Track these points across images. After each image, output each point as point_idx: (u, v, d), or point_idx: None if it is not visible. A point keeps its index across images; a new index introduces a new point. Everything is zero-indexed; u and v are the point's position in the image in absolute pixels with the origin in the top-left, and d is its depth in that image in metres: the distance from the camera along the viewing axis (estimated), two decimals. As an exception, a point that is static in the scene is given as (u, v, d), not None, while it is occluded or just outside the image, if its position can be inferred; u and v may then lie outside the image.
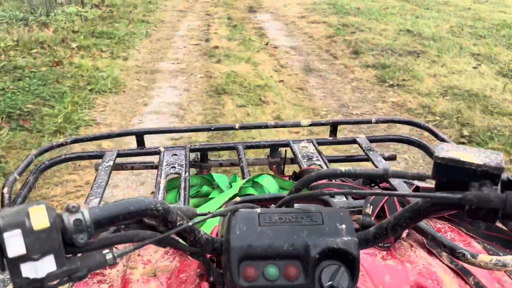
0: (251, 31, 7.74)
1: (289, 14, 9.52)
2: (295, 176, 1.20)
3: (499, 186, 0.49)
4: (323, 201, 0.76)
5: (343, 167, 0.63)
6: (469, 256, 0.69)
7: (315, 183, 0.93)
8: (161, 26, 8.08)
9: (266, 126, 1.40)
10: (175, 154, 1.24)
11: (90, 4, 8.82)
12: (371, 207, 0.78)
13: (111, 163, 1.20)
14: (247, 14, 9.57)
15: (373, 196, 0.84)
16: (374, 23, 8.20)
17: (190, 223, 0.55)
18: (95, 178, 1.12)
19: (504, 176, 0.50)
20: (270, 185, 1.13)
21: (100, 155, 1.26)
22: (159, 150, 1.27)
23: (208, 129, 1.47)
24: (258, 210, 0.63)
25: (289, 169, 1.43)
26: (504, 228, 0.89)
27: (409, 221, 0.57)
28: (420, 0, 11.14)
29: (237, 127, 1.37)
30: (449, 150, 0.50)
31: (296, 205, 0.73)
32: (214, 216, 0.61)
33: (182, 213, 0.56)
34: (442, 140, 1.24)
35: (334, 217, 0.61)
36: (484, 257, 0.67)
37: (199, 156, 1.40)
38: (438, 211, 0.55)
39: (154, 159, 1.35)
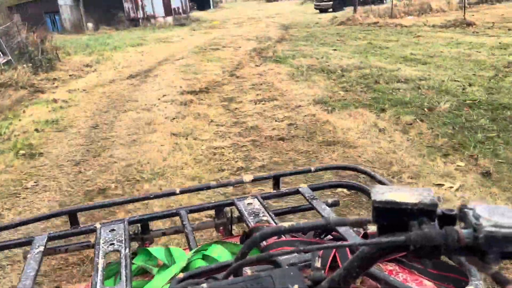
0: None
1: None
2: (246, 236, 1.15)
3: (436, 222, 0.49)
4: (271, 262, 0.76)
5: (287, 222, 0.61)
6: None
7: (264, 243, 0.93)
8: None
9: (209, 187, 1.38)
10: (113, 229, 1.16)
11: None
12: (320, 260, 0.77)
13: (41, 248, 1.10)
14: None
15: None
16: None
17: None
18: (24, 268, 1.02)
19: (438, 211, 0.50)
20: (222, 253, 1.06)
21: (28, 241, 1.16)
22: (95, 227, 1.20)
23: (147, 198, 1.39)
24: (205, 286, 0.61)
25: (237, 228, 1.41)
26: (454, 265, 0.89)
27: (359, 270, 0.57)
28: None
29: (178, 192, 1.33)
30: (385, 193, 0.50)
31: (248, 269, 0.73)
32: None
33: None
34: (380, 182, 1.26)
35: (284, 278, 0.61)
36: None
37: (139, 228, 1.32)
38: (385, 255, 0.55)
39: (91, 237, 1.27)
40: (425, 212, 0.49)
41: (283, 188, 1.43)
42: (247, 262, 0.64)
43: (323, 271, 0.72)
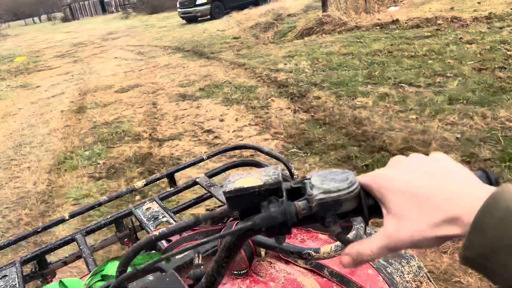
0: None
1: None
2: None
3: (284, 198, 0.49)
4: (159, 269, 0.81)
5: (159, 229, 0.60)
6: (313, 253, 0.77)
7: (168, 246, 0.96)
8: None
9: (100, 204, 1.30)
10: (5, 276, 1.05)
11: None
12: (199, 256, 0.80)
13: None
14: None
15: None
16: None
17: None
18: None
19: (287, 185, 0.51)
20: None
21: None
22: None
23: (35, 233, 1.24)
24: None
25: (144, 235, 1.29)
26: None
27: (227, 259, 0.59)
28: None
29: (67, 217, 1.26)
30: (235, 181, 0.51)
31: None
32: None
33: None
34: (267, 154, 1.30)
35: (163, 286, 0.66)
36: (325, 249, 0.76)
37: (36, 265, 1.20)
38: (245, 239, 0.58)
39: None
40: (272, 191, 0.49)
41: (181, 184, 1.40)
42: (128, 277, 0.59)
43: (202, 267, 0.75)
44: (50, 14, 45.31)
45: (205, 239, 0.52)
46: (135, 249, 0.58)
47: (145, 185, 1.35)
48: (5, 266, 1.10)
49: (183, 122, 5.43)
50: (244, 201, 0.50)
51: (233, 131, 4.89)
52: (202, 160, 1.41)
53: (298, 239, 0.99)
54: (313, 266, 0.93)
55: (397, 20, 9.10)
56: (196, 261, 0.75)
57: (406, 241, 0.43)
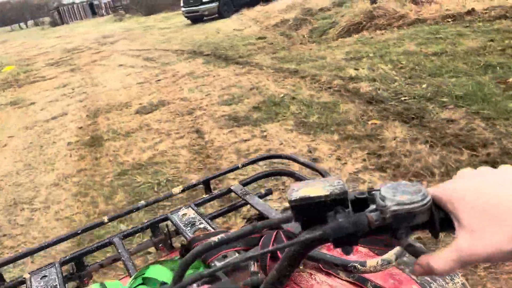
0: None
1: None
2: (185, 249, 1.07)
3: (350, 208, 0.49)
4: (214, 277, 0.82)
5: (216, 236, 0.60)
6: (359, 266, 0.75)
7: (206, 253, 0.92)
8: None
9: (138, 209, 1.34)
10: (44, 276, 1.10)
11: None
12: (255, 264, 0.82)
13: None
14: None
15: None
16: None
17: None
18: None
19: (351, 196, 0.51)
20: (161, 274, 0.99)
21: None
22: (24, 278, 1.10)
23: (75, 234, 1.28)
24: None
25: (179, 240, 1.29)
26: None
27: (290, 268, 0.59)
28: None
29: (106, 220, 1.29)
30: (299, 189, 0.51)
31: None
32: None
33: None
34: (303, 164, 1.27)
35: None
36: (371, 262, 0.74)
37: (74, 267, 1.22)
38: (310, 249, 0.57)
39: None
40: (338, 201, 0.49)
41: (216, 191, 1.43)
42: (185, 285, 0.57)
43: (259, 274, 0.78)
44: (38, 19, 43.14)
45: (270, 248, 0.53)
46: (194, 253, 0.57)
47: (182, 191, 1.38)
48: (45, 266, 1.14)
49: (255, 166, 3.69)
50: (309, 210, 0.49)
51: (348, 181, 3.17)
52: (237, 168, 1.43)
53: (338, 252, 0.86)
54: (355, 279, 0.92)
55: (473, 10, 7.43)
56: (252, 269, 0.79)
57: (481, 255, 0.42)
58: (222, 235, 0.60)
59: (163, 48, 11.93)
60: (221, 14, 15.56)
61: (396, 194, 0.47)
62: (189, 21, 16.49)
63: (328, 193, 0.49)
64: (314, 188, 0.50)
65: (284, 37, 9.88)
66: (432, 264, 0.45)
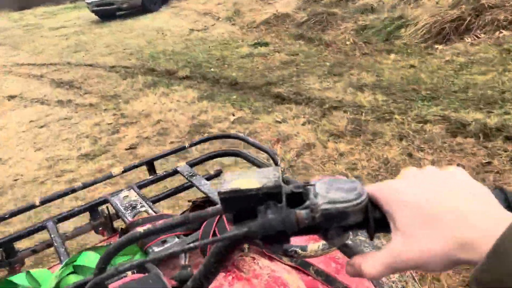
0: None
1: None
2: (124, 233, 1.01)
3: (284, 203, 0.45)
4: (144, 269, 0.75)
5: (142, 227, 0.54)
6: (299, 250, 0.70)
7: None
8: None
9: (74, 190, 1.27)
10: None
11: None
12: (186, 255, 0.81)
13: None
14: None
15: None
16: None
17: None
18: None
19: (287, 189, 0.47)
20: (94, 261, 0.91)
21: None
22: None
23: (3, 219, 1.20)
24: None
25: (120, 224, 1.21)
26: None
27: (217, 265, 0.55)
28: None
29: (37, 203, 1.22)
30: (231, 181, 0.46)
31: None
32: None
33: None
34: (253, 145, 1.25)
35: (146, 287, 0.61)
36: (312, 246, 0.70)
37: (3, 253, 1.16)
38: (239, 245, 0.54)
39: None
40: (271, 195, 0.45)
41: (160, 172, 1.34)
42: (107, 277, 0.53)
43: (189, 269, 0.75)
44: None
45: (196, 243, 0.49)
46: (117, 246, 0.54)
47: (123, 172, 1.30)
48: None
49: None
50: (239, 204, 0.46)
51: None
52: (183, 148, 1.37)
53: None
54: (298, 264, 0.92)
55: None
56: (183, 262, 0.76)
57: (413, 261, 0.40)
58: (159, 222, 0.52)
59: (81, 62, 7.55)
60: (146, 7, 11.30)
61: (330, 191, 0.44)
62: (93, 18, 11.89)
63: (260, 185, 0.45)
64: (247, 180, 0.46)
65: (302, 41, 6.26)
66: (363, 267, 0.42)
